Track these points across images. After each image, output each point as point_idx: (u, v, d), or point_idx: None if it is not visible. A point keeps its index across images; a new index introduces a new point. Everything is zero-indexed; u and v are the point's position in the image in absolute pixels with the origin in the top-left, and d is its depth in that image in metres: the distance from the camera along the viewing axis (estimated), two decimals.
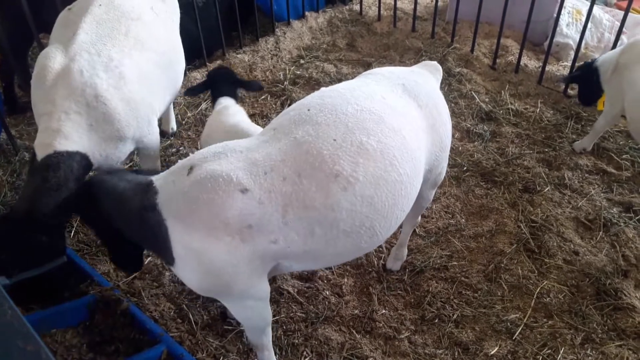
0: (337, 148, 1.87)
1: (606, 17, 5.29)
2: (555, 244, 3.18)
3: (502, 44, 5.07)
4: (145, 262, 2.97)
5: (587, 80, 3.87)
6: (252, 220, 1.79)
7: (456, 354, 2.64)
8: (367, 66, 4.98)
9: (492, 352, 2.62)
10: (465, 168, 3.81)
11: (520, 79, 4.81)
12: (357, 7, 6.11)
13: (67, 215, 2.26)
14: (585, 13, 4.42)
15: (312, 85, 4.71)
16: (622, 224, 3.33)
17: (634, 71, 3.39)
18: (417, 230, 3.30)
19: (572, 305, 2.87)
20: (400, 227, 2.94)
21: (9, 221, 2.29)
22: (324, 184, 1.83)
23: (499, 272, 3.04)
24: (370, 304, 2.86)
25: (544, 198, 3.52)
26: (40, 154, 2.36)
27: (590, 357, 2.62)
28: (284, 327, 2.71)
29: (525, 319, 2.79)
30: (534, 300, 2.88)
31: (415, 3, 5.58)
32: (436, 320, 2.79)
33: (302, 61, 5.14)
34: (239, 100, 3.16)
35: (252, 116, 3.08)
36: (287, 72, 4.90)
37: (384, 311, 2.84)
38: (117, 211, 1.93)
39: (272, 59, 5.14)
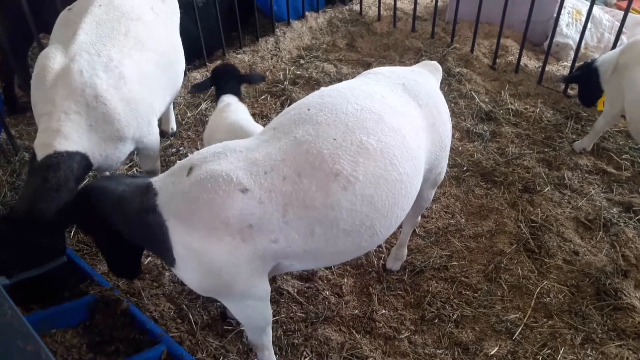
0: (337, 147, 1.87)
1: (606, 17, 5.29)
2: (555, 244, 3.19)
3: (502, 44, 5.08)
4: (145, 263, 2.97)
5: (587, 80, 3.87)
6: (253, 219, 1.79)
7: (456, 354, 2.64)
8: (367, 66, 4.98)
9: (492, 352, 2.62)
10: (465, 168, 3.81)
11: (520, 79, 4.82)
12: (357, 7, 6.11)
13: (67, 219, 2.25)
14: (585, 13, 4.42)
15: (312, 85, 4.71)
16: (622, 224, 3.33)
17: (633, 71, 3.39)
18: (417, 230, 3.31)
19: (572, 305, 2.87)
20: (400, 227, 2.94)
21: (9, 221, 2.29)
22: (324, 184, 1.83)
23: (499, 272, 3.04)
24: (370, 304, 2.86)
25: (543, 198, 3.52)
26: (40, 154, 2.36)
27: (590, 357, 2.62)
28: (284, 327, 2.71)
29: (525, 319, 2.79)
30: (534, 300, 2.88)
31: (415, 3, 5.58)
32: (436, 320, 2.79)
33: (302, 61, 5.14)
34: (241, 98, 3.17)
35: (252, 116, 3.09)
36: (287, 72, 4.90)
37: (383, 311, 2.84)
38: (117, 214, 1.92)
39: (272, 59, 5.14)
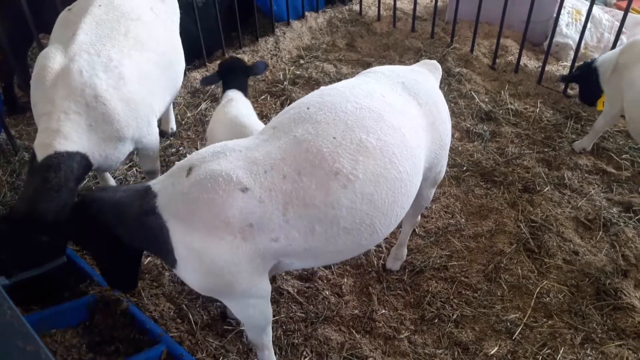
0: (336, 146, 1.87)
1: (606, 17, 5.30)
2: (555, 243, 3.19)
3: (502, 44, 5.08)
4: (145, 263, 2.97)
5: (587, 80, 3.87)
6: (253, 218, 1.79)
7: (456, 353, 2.64)
8: (367, 66, 4.97)
9: (491, 352, 2.62)
10: (465, 168, 3.81)
11: (520, 79, 4.82)
12: (356, 7, 6.11)
13: (67, 230, 2.24)
14: (584, 13, 4.42)
15: (312, 85, 4.71)
16: (621, 223, 3.33)
17: (633, 71, 3.39)
18: (416, 230, 3.31)
19: (571, 305, 2.87)
20: (400, 226, 2.94)
21: (9, 221, 2.29)
22: (324, 182, 1.83)
23: (499, 272, 3.04)
24: (370, 304, 2.86)
25: (543, 198, 3.52)
26: (40, 155, 2.36)
27: (590, 357, 2.62)
28: (284, 327, 2.71)
29: (525, 318, 2.79)
30: (533, 300, 2.88)
31: (415, 3, 5.58)
32: (436, 320, 2.79)
33: (301, 61, 5.14)
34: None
35: None
36: (287, 72, 4.90)
37: (383, 311, 2.84)
38: (117, 220, 1.93)
39: (271, 59, 5.14)
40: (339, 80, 4.66)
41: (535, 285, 2.96)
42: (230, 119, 2.83)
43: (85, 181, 3.51)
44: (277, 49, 5.28)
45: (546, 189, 3.59)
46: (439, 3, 5.48)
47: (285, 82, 4.71)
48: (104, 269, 2.26)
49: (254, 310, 2.09)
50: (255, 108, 4.36)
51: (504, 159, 3.88)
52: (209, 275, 1.87)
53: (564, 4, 4.58)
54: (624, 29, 4.35)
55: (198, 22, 4.63)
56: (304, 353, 2.60)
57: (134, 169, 3.74)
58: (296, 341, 2.65)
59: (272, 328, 2.40)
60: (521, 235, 3.27)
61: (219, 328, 2.68)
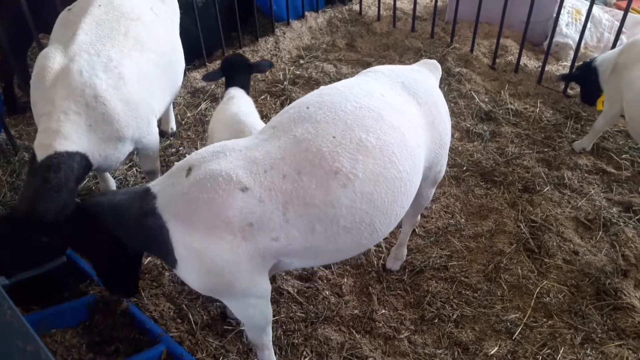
0: (336, 145, 1.87)
1: (606, 17, 5.30)
2: (554, 243, 3.19)
3: (502, 43, 5.08)
4: (145, 262, 2.97)
5: (586, 79, 3.87)
6: (253, 218, 1.79)
7: (456, 353, 2.64)
8: (367, 66, 4.95)
9: (491, 352, 2.62)
10: (464, 168, 3.81)
11: (520, 79, 4.82)
12: (356, 7, 6.11)
13: (67, 227, 2.24)
14: (584, 13, 4.42)
15: (312, 85, 4.71)
16: (621, 223, 3.33)
17: (632, 71, 3.39)
18: (416, 230, 3.31)
19: (571, 305, 2.87)
20: (400, 226, 2.94)
21: (9, 221, 2.29)
22: (324, 181, 1.83)
23: (499, 272, 3.04)
24: (370, 304, 2.86)
25: (543, 198, 3.52)
26: (40, 155, 2.36)
27: (590, 357, 2.62)
28: (284, 327, 2.71)
29: (525, 318, 2.79)
30: (533, 300, 2.88)
31: (415, 3, 5.58)
32: (436, 320, 2.79)
33: (301, 61, 5.14)
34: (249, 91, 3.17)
35: None
36: (287, 72, 4.90)
37: (383, 311, 2.84)
38: (116, 222, 1.93)
39: (271, 59, 5.14)
40: (339, 80, 4.66)
41: (535, 285, 2.96)
42: (229, 116, 2.83)
43: (85, 181, 3.51)
44: (277, 49, 5.28)
45: (546, 189, 3.59)
46: (439, 3, 5.48)
47: (285, 82, 4.72)
48: (104, 275, 2.26)
49: (254, 310, 2.09)
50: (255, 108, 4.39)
51: (504, 159, 3.88)
52: (210, 275, 1.87)
53: (564, 4, 4.58)
54: (623, 29, 4.35)
55: (198, 22, 4.63)
56: (304, 353, 2.60)
57: (134, 169, 3.74)
58: (296, 341, 2.65)
59: (272, 328, 2.40)
60: (521, 235, 3.27)
61: (219, 328, 2.68)
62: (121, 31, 2.70)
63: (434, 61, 2.63)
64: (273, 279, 2.89)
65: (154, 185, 1.96)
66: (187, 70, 4.74)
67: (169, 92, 3.09)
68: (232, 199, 1.77)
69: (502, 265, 3.08)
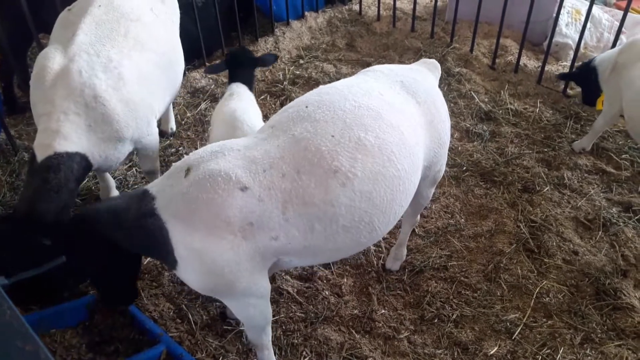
0: (335, 144, 1.88)
1: (605, 17, 5.30)
2: (554, 243, 3.19)
3: (502, 43, 5.08)
4: (145, 263, 2.97)
5: (586, 79, 3.87)
6: (253, 217, 1.80)
7: (455, 353, 2.64)
8: (367, 66, 4.91)
9: (491, 352, 2.62)
10: (464, 168, 3.81)
11: (520, 79, 4.82)
12: (356, 7, 6.11)
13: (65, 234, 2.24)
14: (584, 13, 4.42)
15: (312, 85, 4.71)
16: (621, 223, 3.33)
17: (632, 70, 3.39)
18: (416, 230, 3.31)
19: (571, 305, 2.87)
20: (400, 226, 2.94)
21: (9, 221, 2.29)
22: (323, 180, 1.83)
23: (499, 272, 3.04)
24: (370, 304, 2.86)
25: (543, 198, 3.52)
26: (40, 155, 2.36)
27: (589, 357, 2.62)
28: (284, 327, 2.71)
29: (525, 318, 2.79)
30: (533, 300, 2.88)
31: (415, 3, 5.58)
32: (435, 320, 2.79)
33: (301, 61, 5.14)
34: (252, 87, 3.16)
35: None
36: (287, 72, 4.90)
37: (383, 311, 2.84)
38: (115, 226, 1.92)
39: None
40: (339, 80, 4.67)
41: (535, 285, 2.96)
42: (227, 113, 2.82)
43: (85, 181, 3.51)
44: (277, 49, 5.28)
45: (546, 189, 3.59)
46: (439, 3, 5.47)
47: (285, 82, 4.72)
48: (100, 285, 2.26)
49: (254, 310, 2.09)
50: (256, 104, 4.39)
51: (504, 159, 3.88)
52: (210, 274, 1.87)
53: (564, 4, 4.58)
54: (623, 29, 4.35)
55: (198, 22, 4.63)
56: (304, 353, 2.60)
57: (134, 169, 3.74)
58: (296, 341, 2.65)
59: (272, 328, 2.40)
60: (521, 235, 3.27)
61: (219, 328, 2.68)
62: (121, 32, 2.70)
63: (434, 60, 2.63)
64: (273, 279, 2.89)
65: (152, 186, 1.96)
66: (187, 70, 4.74)
67: (169, 93, 3.09)
68: (231, 199, 1.78)
69: (501, 265, 3.08)
